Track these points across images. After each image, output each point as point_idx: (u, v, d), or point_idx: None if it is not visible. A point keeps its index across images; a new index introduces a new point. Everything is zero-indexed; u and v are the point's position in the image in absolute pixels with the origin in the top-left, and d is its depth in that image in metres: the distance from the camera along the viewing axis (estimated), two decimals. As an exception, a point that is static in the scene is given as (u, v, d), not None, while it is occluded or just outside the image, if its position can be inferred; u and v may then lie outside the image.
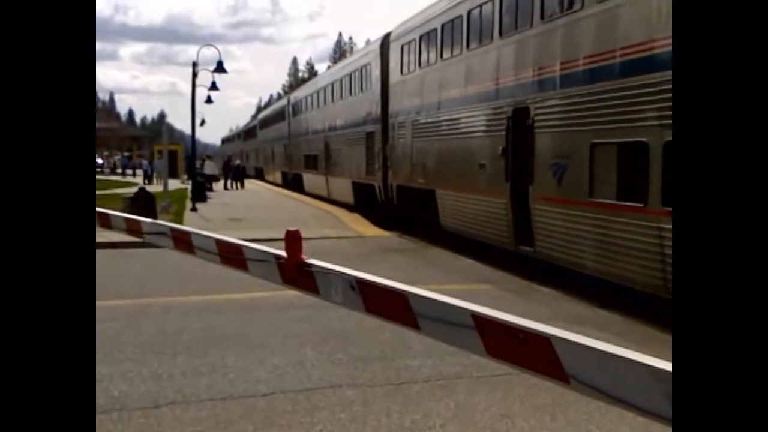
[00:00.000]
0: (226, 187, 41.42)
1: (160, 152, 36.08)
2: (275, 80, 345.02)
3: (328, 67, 68.36)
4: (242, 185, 43.62)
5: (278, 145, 46.61)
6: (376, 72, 21.86)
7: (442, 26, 15.95)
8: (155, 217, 13.80)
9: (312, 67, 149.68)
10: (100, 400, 5.64)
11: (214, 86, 30.05)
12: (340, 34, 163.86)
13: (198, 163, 36.12)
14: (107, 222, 6.69)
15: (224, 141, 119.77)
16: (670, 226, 8.18)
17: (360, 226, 20.36)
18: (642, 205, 8.78)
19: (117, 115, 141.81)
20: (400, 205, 19.58)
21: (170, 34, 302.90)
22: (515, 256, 12.51)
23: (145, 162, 54.54)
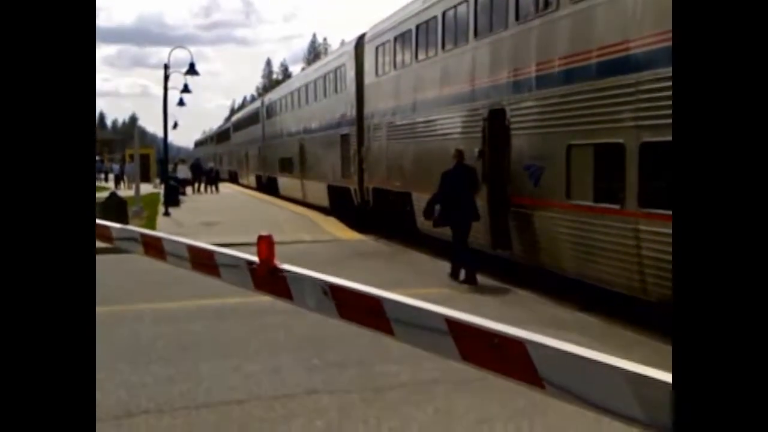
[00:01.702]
0: (196, 191, 40.97)
1: (131, 156, 35.76)
2: (249, 82, 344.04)
3: (303, 69, 68.16)
4: (217, 189, 43.32)
5: (252, 148, 46.36)
6: (350, 73, 21.76)
7: (417, 27, 15.90)
8: (127, 223, 13.62)
9: (286, 69, 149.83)
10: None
11: (186, 88, 29.94)
12: (315, 36, 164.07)
13: (171, 167, 35.87)
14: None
15: (197, 144, 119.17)
16: (647, 228, 8.18)
17: (336, 229, 20.26)
18: (618, 207, 8.77)
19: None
20: (377, 209, 19.50)
21: (141, 35, 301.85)
22: (493, 258, 12.48)
23: (116, 166, 54.06)
